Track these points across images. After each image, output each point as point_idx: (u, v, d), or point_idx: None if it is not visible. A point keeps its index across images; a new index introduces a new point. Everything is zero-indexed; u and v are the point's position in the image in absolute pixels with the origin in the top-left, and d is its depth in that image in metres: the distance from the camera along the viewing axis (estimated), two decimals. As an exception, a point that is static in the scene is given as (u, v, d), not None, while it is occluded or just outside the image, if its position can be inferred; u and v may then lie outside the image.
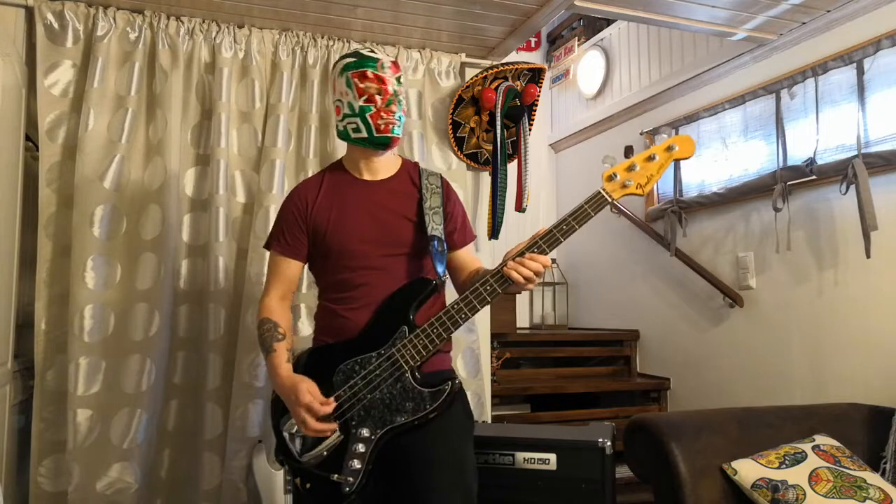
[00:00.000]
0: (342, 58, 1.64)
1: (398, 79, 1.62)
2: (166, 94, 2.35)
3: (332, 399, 1.51)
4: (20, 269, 2.11)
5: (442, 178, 1.73)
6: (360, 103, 1.58)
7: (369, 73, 1.58)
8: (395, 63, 1.63)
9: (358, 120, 1.59)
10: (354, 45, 2.61)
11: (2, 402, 1.94)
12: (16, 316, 2.07)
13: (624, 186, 1.49)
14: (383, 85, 1.58)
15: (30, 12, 2.22)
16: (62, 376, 2.19)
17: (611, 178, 1.50)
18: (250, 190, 2.48)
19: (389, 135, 1.60)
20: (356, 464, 1.50)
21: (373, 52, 1.62)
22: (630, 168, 1.50)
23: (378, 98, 1.58)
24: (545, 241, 1.46)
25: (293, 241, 1.66)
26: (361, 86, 1.58)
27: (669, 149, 1.51)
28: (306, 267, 1.76)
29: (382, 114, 1.58)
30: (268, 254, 2.31)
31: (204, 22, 2.43)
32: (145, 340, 2.26)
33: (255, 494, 2.23)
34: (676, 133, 3.42)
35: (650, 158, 1.50)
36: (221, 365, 2.36)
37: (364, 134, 1.60)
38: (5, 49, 2.01)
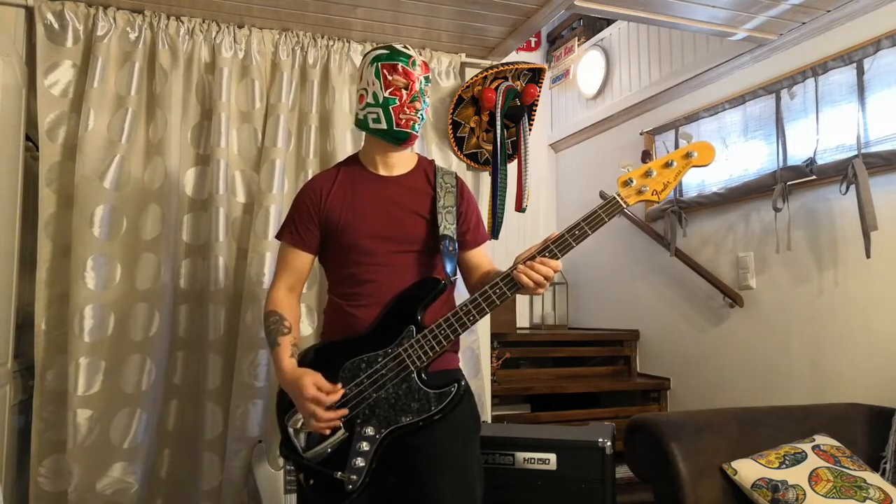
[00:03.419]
0: (374, 49, 1.66)
1: (426, 78, 1.65)
2: (166, 94, 2.35)
3: (338, 385, 1.49)
4: (20, 269, 2.11)
5: (457, 177, 1.72)
6: (386, 95, 1.59)
7: (400, 66, 1.60)
8: (425, 63, 1.65)
9: (380, 110, 1.60)
10: (355, 45, 2.62)
11: (2, 402, 1.94)
12: (16, 316, 2.07)
13: (640, 192, 1.47)
14: (411, 81, 1.60)
15: (30, 12, 2.22)
16: (62, 376, 2.19)
17: (626, 183, 1.48)
18: (250, 190, 2.48)
19: (409, 131, 1.61)
20: (360, 462, 1.49)
21: (406, 48, 1.64)
22: (647, 174, 1.47)
23: (404, 92, 1.60)
24: (557, 246, 1.45)
25: (304, 233, 1.66)
26: (390, 78, 1.59)
27: (688, 155, 1.47)
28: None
29: (406, 108, 1.59)
30: (268, 253, 2.36)
31: (204, 22, 2.43)
32: (145, 340, 2.26)
33: (255, 494, 2.24)
34: (677, 133, 3.41)
35: (668, 165, 1.47)
36: (221, 365, 2.36)
37: (383, 126, 1.60)
38: (5, 49, 2.01)
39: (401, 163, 1.69)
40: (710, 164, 1.50)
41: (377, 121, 1.61)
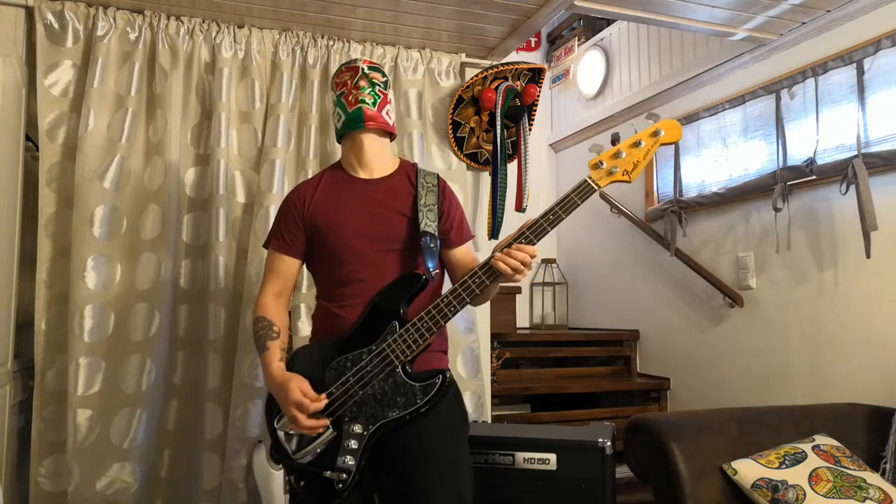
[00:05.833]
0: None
1: (372, 68, 1.71)
2: (166, 94, 2.35)
3: (323, 395, 1.51)
4: (20, 269, 2.11)
5: (439, 177, 1.75)
6: (337, 94, 1.70)
7: (344, 68, 1.71)
8: (370, 60, 1.75)
9: (338, 108, 1.69)
10: (355, 45, 2.62)
11: (2, 402, 1.94)
12: (16, 316, 2.07)
13: (610, 174, 1.51)
14: (354, 73, 1.68)
15: (30, 12, 2.23)
16: (62, 376, 2.19)
17: (597, 165, 1.51)
18: (250, 190, 2.48)
19: (359, 106, 1.65)
20: (349, 460, 1.51)
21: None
22: (616, 155, 1.52)
23: (349, 82, 1.68)
24: (532, 232, 1.48)
25: (290, 239, 1.69)
26: (338, 81, 1.71)
27: (655, 134, 1.52)
28: (305, 267, 1.76)
29: (352, 91, 1.67)
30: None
31: (204, 22, 2.43)
32: (145, 340, 2.26)
33: (254, 494, 2.24)
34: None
35: (636, 145, 1.52)
36: (221, 365, 2.37)
37: (343, 117, 1.68)
38: (5, 49, 2.01)
39: (381, 165, 1.72)
40: (678, 141, 1.54)
41: (338, 118, 1.69)
